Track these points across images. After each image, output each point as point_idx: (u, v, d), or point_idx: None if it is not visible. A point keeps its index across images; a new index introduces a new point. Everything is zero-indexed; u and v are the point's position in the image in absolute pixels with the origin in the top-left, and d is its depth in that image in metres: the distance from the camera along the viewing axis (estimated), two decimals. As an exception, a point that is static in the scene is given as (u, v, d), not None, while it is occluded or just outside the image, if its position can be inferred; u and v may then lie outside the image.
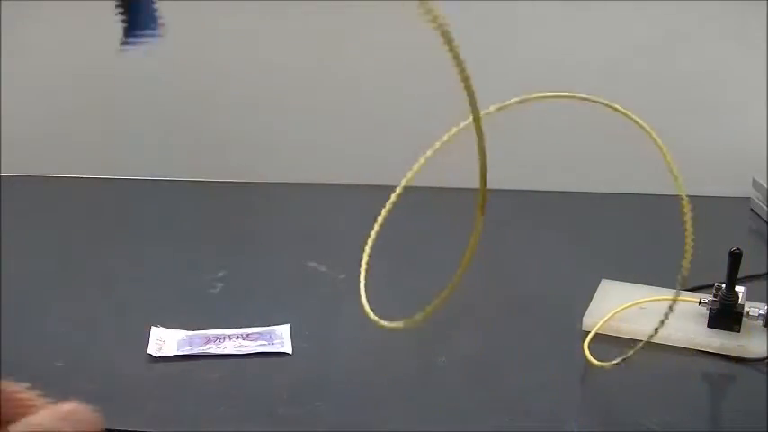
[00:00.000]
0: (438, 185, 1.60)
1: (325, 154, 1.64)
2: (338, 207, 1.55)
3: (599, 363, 1.03)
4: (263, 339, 1.09)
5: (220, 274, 1.25)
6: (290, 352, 1.08)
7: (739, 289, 1.13)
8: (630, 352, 0.99)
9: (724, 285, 1.13)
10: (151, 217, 1.47)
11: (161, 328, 1.10)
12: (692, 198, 1.59)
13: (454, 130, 0.98)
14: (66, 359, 1.07)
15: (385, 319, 1.16)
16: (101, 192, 1.56)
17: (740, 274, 1.12)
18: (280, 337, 1.10)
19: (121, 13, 0.80)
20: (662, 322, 0.97)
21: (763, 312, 1.12)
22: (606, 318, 1.13)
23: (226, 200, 1.56)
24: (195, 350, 1.07)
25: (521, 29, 1.61)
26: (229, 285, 1.22)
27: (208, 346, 1.08)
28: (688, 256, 0.95)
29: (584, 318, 1.14)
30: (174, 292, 1.22)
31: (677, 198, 1.19)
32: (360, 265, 1.08)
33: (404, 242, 1.41)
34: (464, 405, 1.02)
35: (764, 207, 1.53)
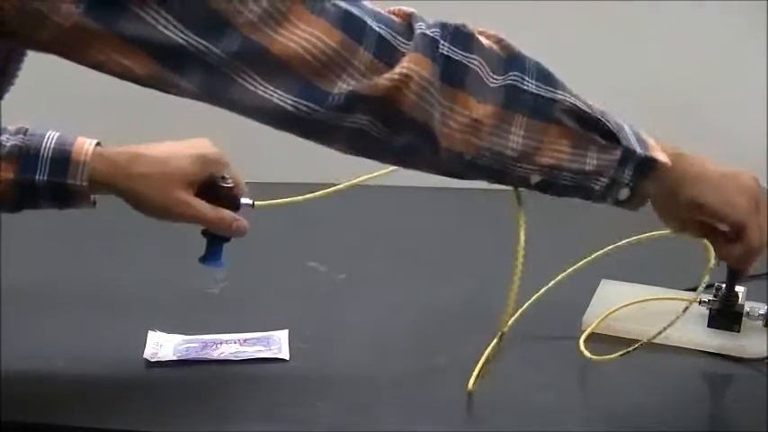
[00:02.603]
0: (439, 186, 1.61)
1: (325, 154, 1.64)
2: (339, 207, 1.54)
3: (597, 358, 1.04)
4: (260, 345, 1.08)
5: (220, 275, 1.25)
6: (287, 358, 1.07)
7: (739, 289, 1.13)
8: (631, 348, 1.01)
9: (724, 285, 1.13)
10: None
11: (158, 332, 1.09)
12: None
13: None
14: (66, 359, 1.06)
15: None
16: (101, 192, 1.56)
17: (740, 274, 1.12)
18: (277, 343, 1.08)
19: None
20: (669, 324, 0.99)
21: (763, 312, 1.12)
22: (605, 317, 1.13)
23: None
24: (192, 355, 1.06)
25: (522, 30, 1.60)
26: (229, 286, 1.22)
27: (204, 351, 1.07)
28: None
29: (584, 318, 1.14)
30: (174, 293, 1.22)
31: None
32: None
33: (405, 242, 1.41)
34: (464, 405, 1.02)
35: (764, 207, 1.53)
